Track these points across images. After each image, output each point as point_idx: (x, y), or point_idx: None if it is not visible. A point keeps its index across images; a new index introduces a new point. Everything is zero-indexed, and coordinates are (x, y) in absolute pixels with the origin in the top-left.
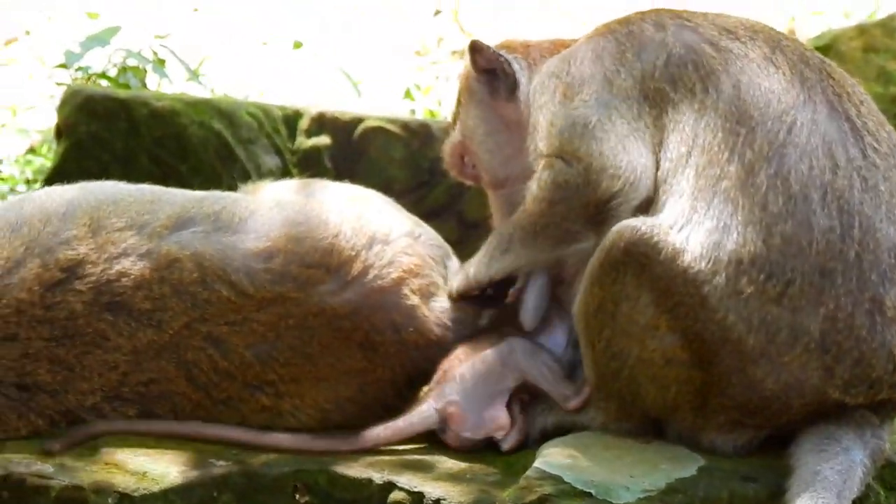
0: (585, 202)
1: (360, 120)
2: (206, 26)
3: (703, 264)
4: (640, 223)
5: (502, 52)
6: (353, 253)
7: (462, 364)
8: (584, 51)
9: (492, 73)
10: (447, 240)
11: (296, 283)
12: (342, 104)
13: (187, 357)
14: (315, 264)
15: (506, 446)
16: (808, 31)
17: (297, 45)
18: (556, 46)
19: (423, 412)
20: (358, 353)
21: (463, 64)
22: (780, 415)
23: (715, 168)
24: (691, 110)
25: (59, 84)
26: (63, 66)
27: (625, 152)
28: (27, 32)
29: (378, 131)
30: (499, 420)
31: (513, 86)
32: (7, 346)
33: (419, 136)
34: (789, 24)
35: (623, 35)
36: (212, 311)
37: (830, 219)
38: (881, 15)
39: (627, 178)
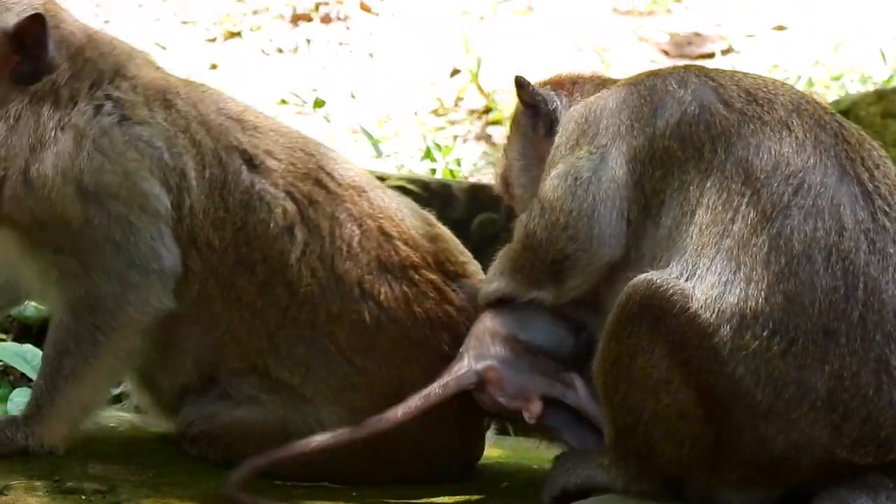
0: (544, 256)
1: (380, 179)
2: (226, 83)
3: (707, 314)
4: (656, 276)
5: (545, 88)
6: None
7: (498, 334)
8: (606, 100)
9: (535, 109)
10: None
11: None
12: (363, 163)
13: None
14: None
15: (530, 420)
16: (826, 95)
17: (319, 103)
18: (605, 84)
19: (460, 373)
20: None
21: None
22: (791, 473)
23: (718, 226)
24: (697, 170)
25: None
26: None
27: (592, 218)
28: None
29: (399, 191)
30: (532, 405)
31: (552, 124)
32: None
33: (439, 196)
34: (806, 88)
35: (646, 88)
36: None
37: (834, 279)
38: None
39: (582, 243)
